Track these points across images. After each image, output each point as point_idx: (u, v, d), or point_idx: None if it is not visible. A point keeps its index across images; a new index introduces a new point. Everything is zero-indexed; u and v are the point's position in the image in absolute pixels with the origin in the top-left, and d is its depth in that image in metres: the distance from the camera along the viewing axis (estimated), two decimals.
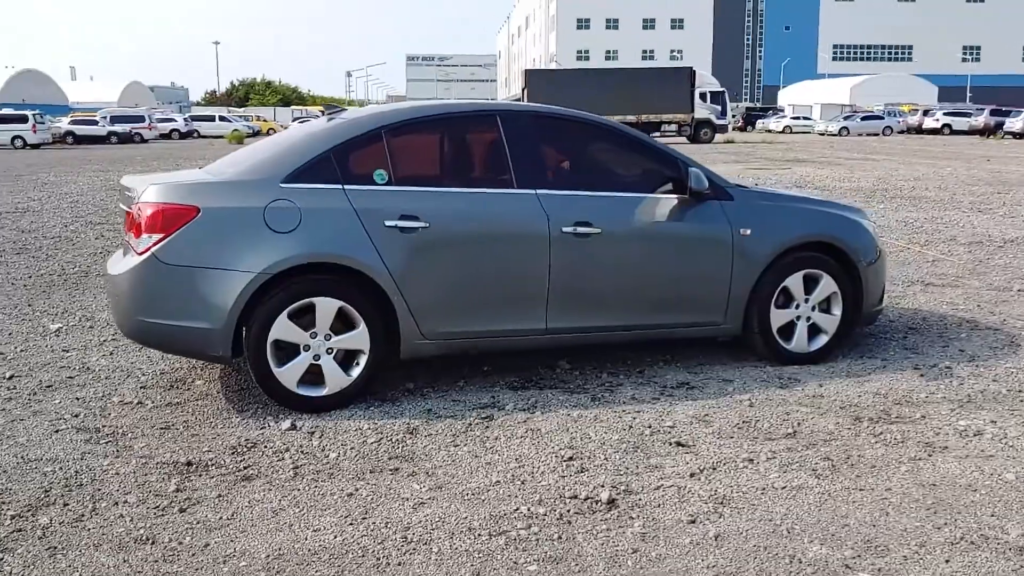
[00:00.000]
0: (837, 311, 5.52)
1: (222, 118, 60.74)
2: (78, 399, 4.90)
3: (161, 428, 4.46)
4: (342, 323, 4.62)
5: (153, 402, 4.86)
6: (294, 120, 67.21)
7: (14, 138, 41.92)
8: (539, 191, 4.95)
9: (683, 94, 42.05)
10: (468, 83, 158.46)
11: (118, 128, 49.81)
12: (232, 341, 4.50)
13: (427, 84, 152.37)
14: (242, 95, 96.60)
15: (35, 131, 42.17)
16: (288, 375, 4.56)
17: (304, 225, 4.55)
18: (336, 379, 4.63)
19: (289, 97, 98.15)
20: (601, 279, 5.07)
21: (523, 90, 43.60)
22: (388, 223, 4.65)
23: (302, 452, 4.15)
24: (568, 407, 4.75)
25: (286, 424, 4.46)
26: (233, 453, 4.15)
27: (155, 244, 4.45)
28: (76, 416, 4.62)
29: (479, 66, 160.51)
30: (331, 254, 4.56)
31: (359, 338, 4.64)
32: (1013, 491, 3.70)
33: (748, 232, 5.30)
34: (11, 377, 5.30)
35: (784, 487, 3.76)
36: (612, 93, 41.13)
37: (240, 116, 65.81)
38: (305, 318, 4.57)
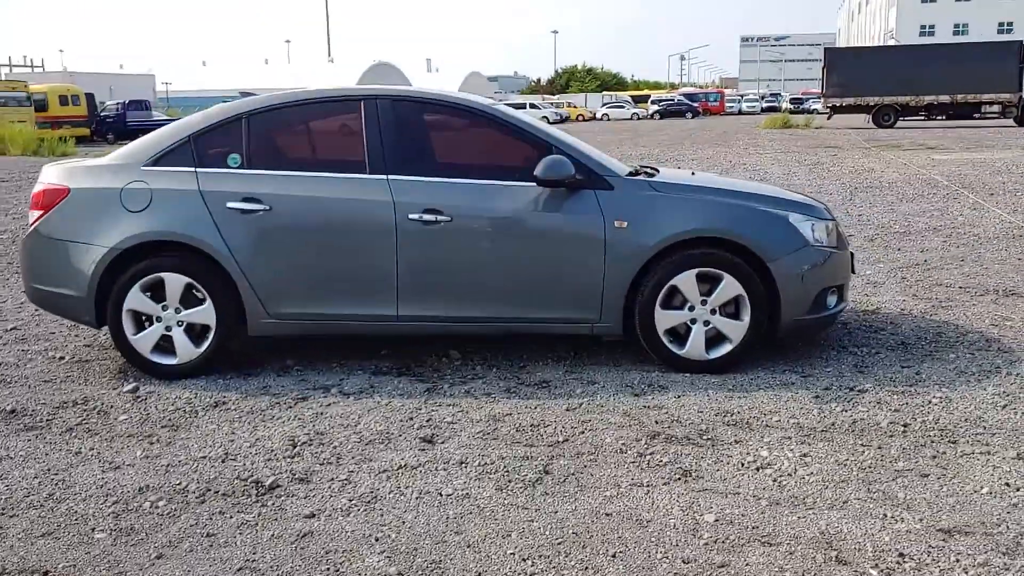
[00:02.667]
0: (745, 317, 4.91)
1: (532, 105, 63.27)
2: None
3: (26, 379, 5.08)
4: (194, 298, 4.95)
5: (42, 357, 5.51)
6: (603, 106, 68.71)
7: None
8: (391, 176, 4.93)
9: (1009, 71, 37.21)
10: (804, 63, 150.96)
11: None
12: (95, 309, 5.00)
13: (761, 66, 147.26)
14: (564, 82, 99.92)
15: None
16: (142, 343, 4.98)
17: (153, 205, 4.93)
18: (186, 350, 4.98)
19: (609, 83, 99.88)
20: (453, 269, 4.94)
21: (823, 70, 41.07)
22: (230, 205, 4.90)
23: (104, 412, 4.55)
24: (387, 395, 4.72)
25: (129, 387, 4.90)
26: (59, 406, 4.65)
27: (37, 219, 5.07)
28: None
29: (815, 45, 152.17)
30: (174, 233, 4.91)
31: (206, 313, 4.95)
32: (688, 533, 3.19)
33: (624, 224, 4.88)
34: None
35: (452, 493, 3.53)
36: (923, 72, 37.60)
37: (552, 103, 68.21)
38: (160, 292, 4.95)
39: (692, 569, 2.95)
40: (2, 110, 32.89)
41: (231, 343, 5.14)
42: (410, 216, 4.86)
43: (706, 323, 4.94)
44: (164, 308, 4.96)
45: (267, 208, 4.90)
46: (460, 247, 4.91)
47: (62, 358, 5.50)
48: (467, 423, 4.30)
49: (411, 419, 4.36)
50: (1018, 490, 3.47)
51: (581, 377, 4.96)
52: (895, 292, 6.89)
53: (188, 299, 4.95)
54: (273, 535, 3.24)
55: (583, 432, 4.16)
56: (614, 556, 3.03)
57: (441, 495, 3.53)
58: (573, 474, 3.70)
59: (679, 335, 4.97)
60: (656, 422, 4.26)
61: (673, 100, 66.55)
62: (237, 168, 5.00)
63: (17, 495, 3.60)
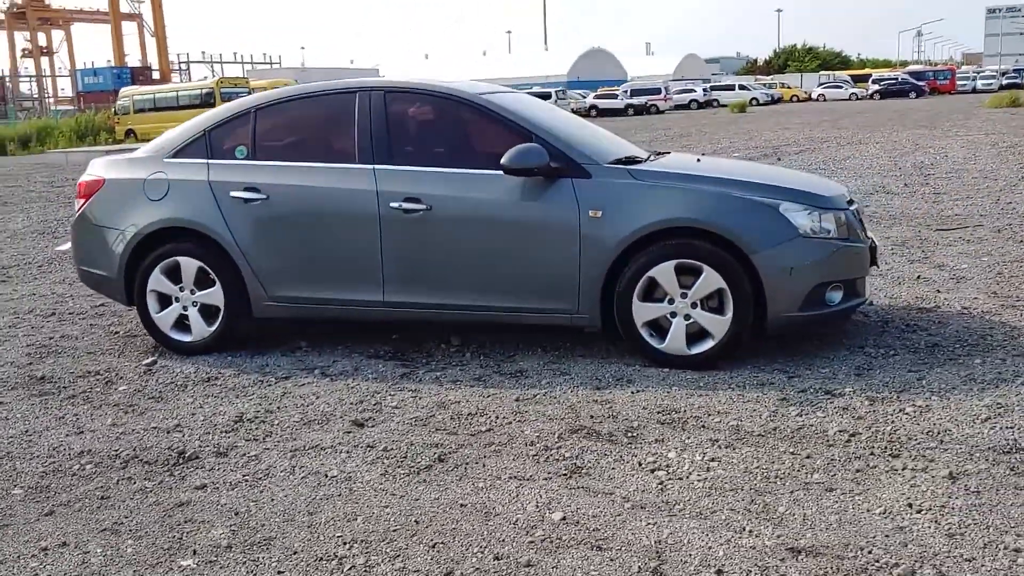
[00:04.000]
0: (728, 311, 4.66)
1: (741, 87, 61.36)
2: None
3: (76, 350, 5.65)
4: (207, 281, 5.34)
5: (103, 331, 6.07)
6: (819, 86, 65.37)
7: None
8: (376, 166, 5.07)
9: None
10: None
11: (635, 101, 53.45)
12: (125, 289, 5.49)
13: (1008, 39, 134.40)
14: (781, 62, 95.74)
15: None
16: (163, 320, 5.43)
17: (170, 195, 5.34)
18: (199, 328, 5.38)
19: (831, 62, 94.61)
20: (434, 256, 5.01)
21: None
22: (233, 194, 5.22)
23: (112, 382, 5.01)
24: (362, 378, 4.88)
25: (148, 361, 5.35)
26: (81, 376, 5.16)
27: (81, 207, 5.63)
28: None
29: None
30: (185, 220, 5.29)
31: (216, 295, 5.32)
32: (522, 529, 3.13)
33: (599, 214, 4.75)
34: None
35: (336, 475, 3.63)
36: None
37: (764, 84, 65.74)
38: (178, 274, 5.37)
39: (498, 566, 2.90)
40: None
41: (243, 324, 5.46)
42: (391, 205, 4.98)
43: (687, 317, 4.73)
44: (181, 290, 5.37)
45: (265, 197, 5.18)
46: (440, 235, 4.97)
47: (117, 332, 6.08)
48: (411, 408, 4.38)
49: (361, 402, 4.50)
50: (918, 512, 3.12)
51: (558, 368, 4.89)
52: (975, 289, 6.23)
53: (202, 282, 5.33)
54: (155, 502, 3.49)
55: (511, 423, 4.13)
56: (432, 547, 3.03)
57: (326, 476, 3.64)
58: (465, 464, 3.70)
59: (662, 329, 4.79)
60: (591, 417, 4.15)
61: (896, 79, 62.23)
62: (243, 160, 5.32)
63: None
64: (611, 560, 2.91)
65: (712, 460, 3.63)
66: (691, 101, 58.19)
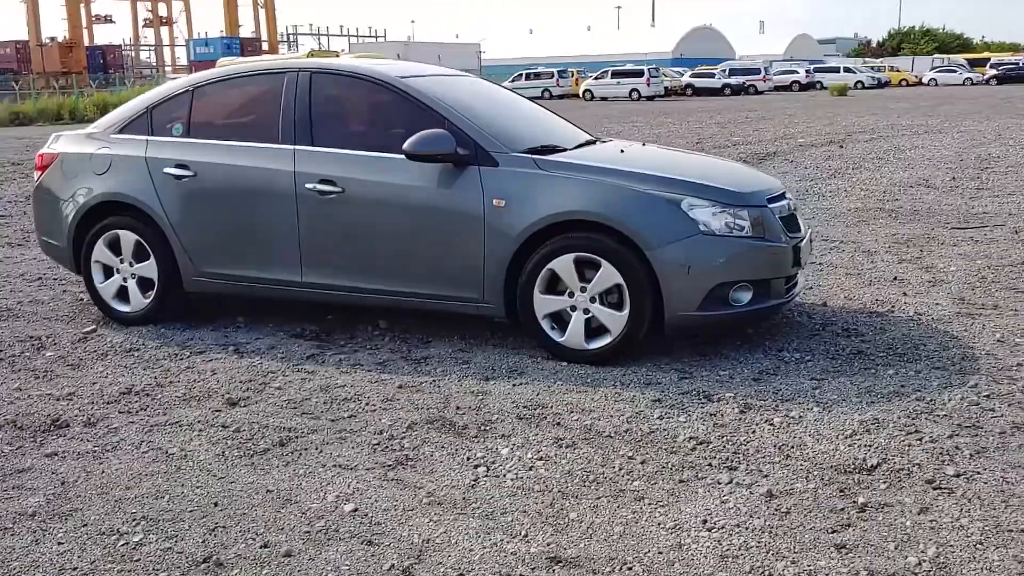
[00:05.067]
0: (626, 308, 4.54)
1: (847, 69, 59.13)
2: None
3: (35, 315, 5.90)
4: (145, 254, 5.49)
5: (72, 298, 6.32)
6: (931, 70, 62.43)
7: (632, 91, 47.06)
8: (297, 147, 5.11)
9: None
10: None
11: (733, 81, 52.20)
12: (73, 258, 5.71)
13: None
14: (894, 45, 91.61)
15: (648, 84, 46.82)
16: (106, 291, 5.62)
17: (112, 170, 5.51)
18: (137, 300, 5.55)
19: (949, 45, 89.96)
20: (348, 240, 5.03)
21: None
22: (165, 170, 5.35)
23: (43, 348, 5.22)
24: (270, 357, 4.95)
25: (88, 329, 5.56)
26: (22, 341, 5.38)
27: (38, 179, 5.86)
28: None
29: None
30: (123, 194, 5.45)
31: (151, 268, 5.47)
32: (294, 517, 3.14)
33: (502, 204, 4.68)
34: None
35: (175, 453, 3.71)
36: None
37: (871, 67, 63.20)
38: (118, 247, 5.55)
39: (260, 554, 2.91)
40: None
41: (174, 297, 5.59)
42: (307, 186, 5.02)
43: (586, 312, 4.63)
44: (121, 262, 5.54)
45: (193, 174, 5.29)
46: (353, 219, 4.99)
47: (82, 300, 6.31)
48: (293, 390, 4.43)
49: (251, 381, 4.57)
50: (708, 529, 3.00)
51: (462, 356, 4.87)
52: (944, 294, 5.90)
53: (139, 255, 5.49)
54: (1, 467, 3.64)
55: (376, 410, 4.13)
56: (212, 530, 3.07)
57: (164, 454, 3.72)
58: (304, 450, 3.73)
59: (565, 322, 4.71)
60: (458, 408, 4.12)
61: (1017, 64, 58.83)
62: (178, 137, 5.44)
63: None
64: (371, 556, 2.89)
65: (541, 459, 3.56)
66: (793, 83, 56.40)
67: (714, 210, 4.54)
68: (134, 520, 3.16)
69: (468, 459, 3.59)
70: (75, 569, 2.85)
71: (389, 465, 3.56)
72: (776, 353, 4.79)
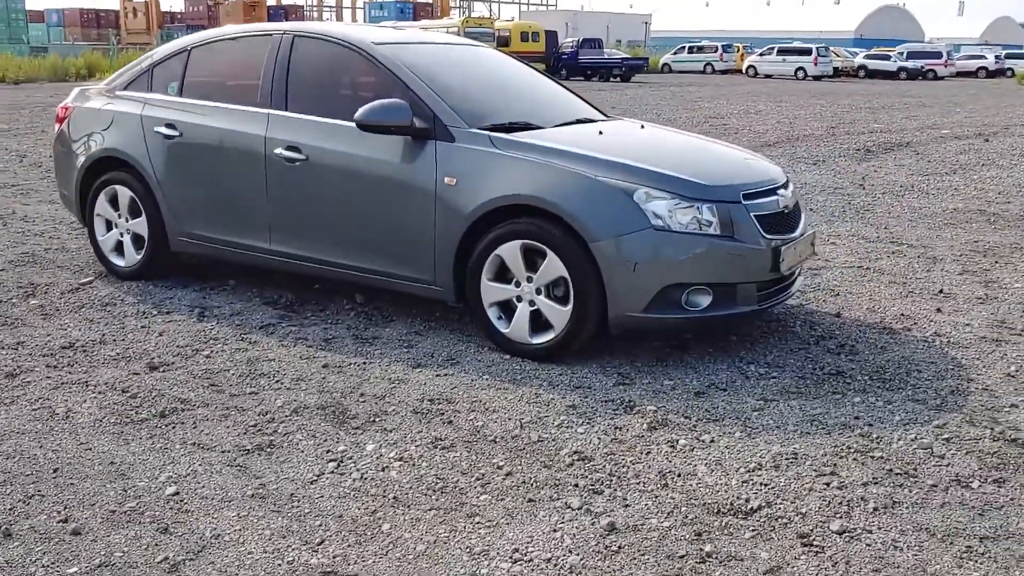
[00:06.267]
0: (570, 303, 4.20)
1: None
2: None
3: (51, 263, 6.11)
4: (138, 210, 5.57)
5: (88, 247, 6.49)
6: None
7: (797, 69, 44.90)
8: (272, 111, 5.00)
9: None
10: None
11: (909, 64, 48.84)
12: (79, 209, 5.86)
13: None
14: None
15: (816, 64, 44.52)
16: (106, 244, 5.74)
17: (112, 126, 5.59)
18: (131, 255, 5.65)
19: None
20: (311, 209, 4.89)
21: None
22: (156, 129, 5.37)
23: (32, 296, 5.38)
24: (229, 324, 4.91)
25: (85, 280, 5.70)
26: (23, 288, 5.59)
27: (57, 132, 6.03)
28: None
29: None
30: (119, 151, 5.52)
31: (142, 225, 5.54)
32: (122, 493, 3.04)
33: (453, 182, 4.42)
34: None
35: (62, 414, 3.70)
36: None
37: None
38: (117, 202, 5.65)
39: (56, 528, 2.83)
40: None
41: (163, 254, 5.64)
42: (275, 152, 4.91)
43: (531, 303, 4.32)
44: (119, 217, 5.64)
45: (179, 135, 5.28)
46: (317, 187, 4.85)
47: None
48: (219, 360, 4.35)
49: (189, 346, 4.54)
50: (512, 560, 2.69)
51: (411, 340, 4.67)
52: (988, 317, 5.19)
53: (134, 211, 5.56)
54: None
55: (277, 390, 3.99)
56: (33, 496, 3.02)
57: (51, 413, 3.72)
58: (180, 424, 3.64)
59: (508, 312, 4.42)
60: (362, 395, 3.93)
61: None
62: (172, 96, 5.45)
63: None
64: (154, 545, 2.76)
65: (400, 460, 3.32)
66: (979, 69, 52.19)
67: (674, 203, 4.11)
68: None
69: (328, 452, 3.40)
70: None
71: (246, 450, 3.41)
72: (742, 366, 4.32)
